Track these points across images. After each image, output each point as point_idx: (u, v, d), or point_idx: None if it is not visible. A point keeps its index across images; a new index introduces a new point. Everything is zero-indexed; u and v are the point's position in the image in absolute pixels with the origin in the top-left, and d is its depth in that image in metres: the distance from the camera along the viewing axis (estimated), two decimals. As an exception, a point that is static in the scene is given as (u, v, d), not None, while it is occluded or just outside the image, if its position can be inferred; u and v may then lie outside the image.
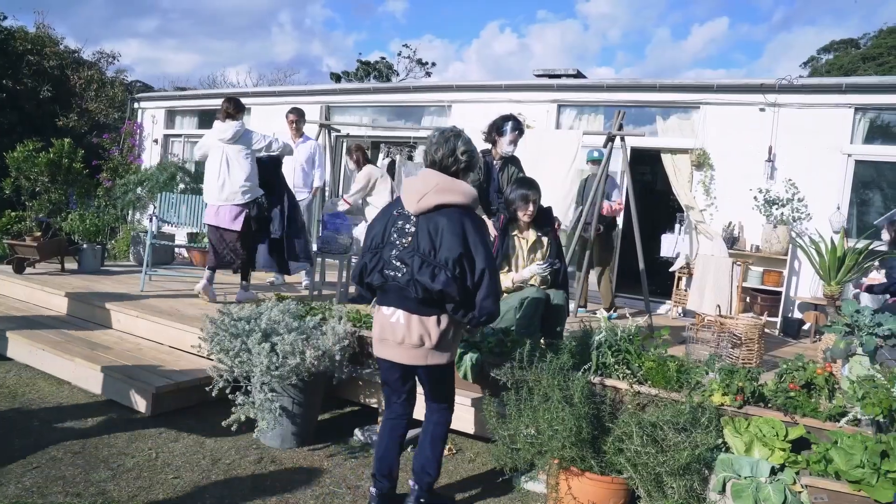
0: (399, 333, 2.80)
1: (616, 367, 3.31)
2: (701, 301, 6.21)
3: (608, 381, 3.33)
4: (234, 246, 5.69)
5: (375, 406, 4.20)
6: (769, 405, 3.05)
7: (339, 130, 10.20)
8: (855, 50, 36.40)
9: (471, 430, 3.71)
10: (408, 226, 2.80)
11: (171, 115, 13.61)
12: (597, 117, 8.94)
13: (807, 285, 7.40)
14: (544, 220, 4.38)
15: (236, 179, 5.58)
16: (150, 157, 13.31)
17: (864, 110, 7.44)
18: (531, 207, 4.22)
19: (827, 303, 5.15)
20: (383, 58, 39.01)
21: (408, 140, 10.16)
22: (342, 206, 7.11)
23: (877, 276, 6.25)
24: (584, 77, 10.16)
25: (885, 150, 7.36)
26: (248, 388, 3.70)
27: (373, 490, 3.07)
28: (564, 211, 6.62)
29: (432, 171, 2.83)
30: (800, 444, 2.86)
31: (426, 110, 10.55)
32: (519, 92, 9.32)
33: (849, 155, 7.38)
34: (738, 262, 5.90)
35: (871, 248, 5.35)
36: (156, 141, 13.61)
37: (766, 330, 5.29)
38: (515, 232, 4.33)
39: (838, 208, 7.27)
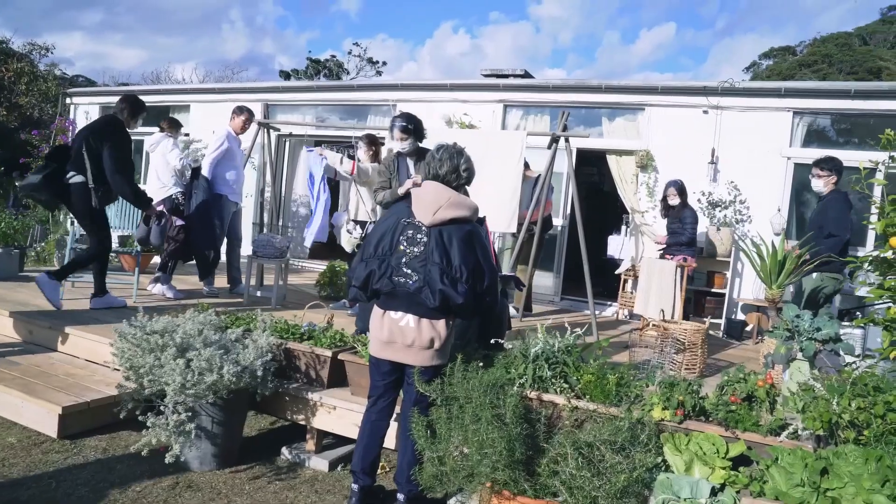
0: (409, 336, 2.94)
1: (553, 380, 3.15)
2: (646, 305, 6.14)
3: (545, 396, 3.16)
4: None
5: (303, 423, 3.95)
6: (710, 419, 2.93)
7: (279, 129, 9.84)
8: (792, 57, 37.71)
9: (393, 444, 3.49)
10: (419, 235, 2.95)
11: (105, 110, 12.98)
12: (543, 118, 8.85)
13: (749, 287, 7.45)
14: None
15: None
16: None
17: (802, 114, 7.54)
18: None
19: (769, 306, 5.11)
20: (333, 56, 38.46)
21: (349, 140, 9.86)
22: (347, 166, 6.32)
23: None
24: (531, 78, 10.07)
25: (822, 153, 7.42)
26: (162, 407, 3.39)
27: (354, 486, 3.17)
28: (510, 215, 6.47)
29: (441, 186, 3.03)
30: (741, 461, 2.74)
31: (371, 109, 10.30)
32: (465, 91, 9.16)
33: (788, 158, 7.45)
34: (681, 265, 5.86)
35: (812, 250, 5.35)
36: (88, 138, 12.96)
37: (710, 332, 5.24)
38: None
39: (779, 210, 7.33)
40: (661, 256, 6.83)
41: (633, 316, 7.49)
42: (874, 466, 2.41)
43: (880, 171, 5.31)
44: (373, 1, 71.29)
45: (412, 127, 4.96)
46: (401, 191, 4.43)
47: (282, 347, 4.02)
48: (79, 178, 5.06)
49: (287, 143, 10.98)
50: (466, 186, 3.25)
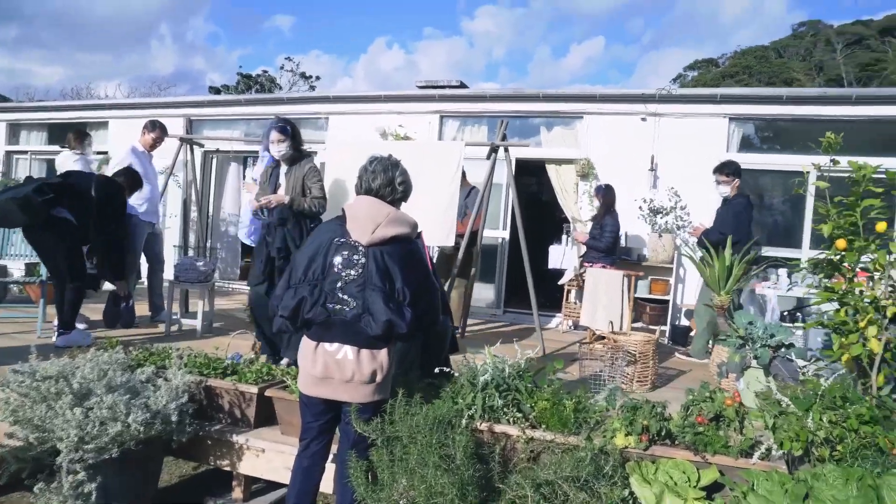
0: (348, 370, 2.61)
1: (506, 409, 2.85)
2: (593, 316, 5.95)
3: (497, 428, 2.87)
4: None
5: (228, 468, 3.52)
6: (677, 442, 2.69)
7: (202, 145, 9.31)
8: (715, 68, 39.28)
9: (331, 488, 3.12)
10: (356, 257, 2.64)
11: (14, 128, 12.10)
12: (480, 128, 8.64)
13: (692, 292, 7.38)
14: None
15: None
16: None
17: (738, 120, 7.58)
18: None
19: (718, 313, 4.99)
20: (265, 71, 37.67)
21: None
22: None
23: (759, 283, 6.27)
24: (467, 88, 9.87)
25: (758, 158, 7.52)
26: (56, 467, 2.92)
27: None
28: (448, 228, 6.19)
29: (377, 201, 2.75)
30: (714, 487, 2.51)
31: (303, 123, 9.84)
32: (400, 103, 8.87)
33: (725, 163, 7.45)
34: (628, 274, 5.71)
35: (758, 254, 5.29)
36: (-5, 157, 12.05)
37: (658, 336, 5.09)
38: None
39: (718, 216, 7.31)
40: (580, 264, 6.70)
41: (578, 327, 7.32)
42: (856, 488, 2.20)
43: (819, 173, 5.29)
44: (306, 17, 70.60)
45: (290, 130, 4.60)
46: (257, 202, 4.31)
47: (202, 385, 3.59)
48: (66, 215, 4.81)
49: (214, 160, 10.44)
50: (403, 202, 2.94)
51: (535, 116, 8.44)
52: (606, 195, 6.59)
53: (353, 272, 2.61)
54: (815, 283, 4.72)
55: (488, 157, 6.34)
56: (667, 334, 7.06)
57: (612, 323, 5.13)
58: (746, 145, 7.68)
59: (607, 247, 6.43)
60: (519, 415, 2.84)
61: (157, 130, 6.13)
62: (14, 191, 4.77)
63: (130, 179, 5.54)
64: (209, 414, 3.64)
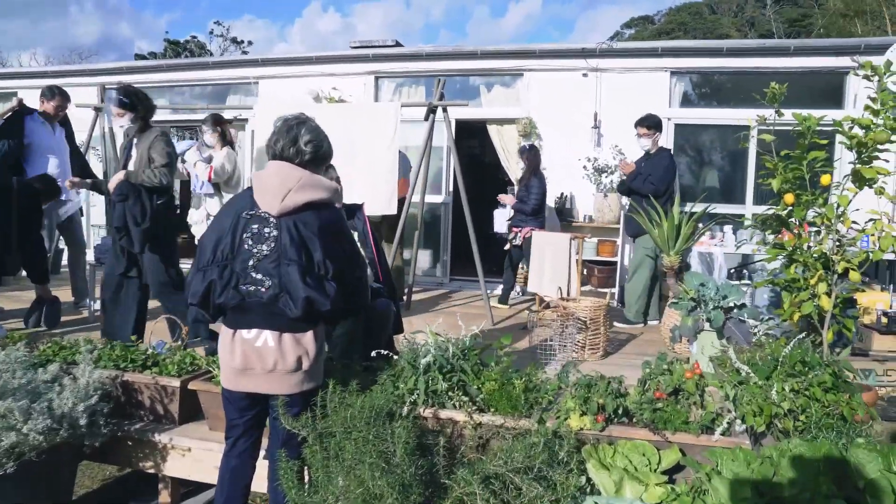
0: (270, 359, 2.33)
1: (450, 393, 2.62)
2: (540, 281, 5.77)
3: (442, 413, 2.64)
4: None
5: (153, 471, 3.21)
6: (635, 420, 2.52)
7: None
8: (651, 25, 39.50)
9: (264, 487, 2.84)
10: (267, 229, 2.34)
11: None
12: (418, 89, 8.28)
13: (640, 252, 7.30)
14: (349, 214, 3.61)
15: None
16: None
17: (679, 74, 7.45)
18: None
19: (668, 274, 4.88)
20: (194, 37, 35.95)
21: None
22: (202, 172, 5.57)
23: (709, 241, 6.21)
24: (402, 47, 9.45)
25: (699, 113, 7.43)
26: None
27: None
28: (388, 195, 5.89)
29: (287, 165, 2.42)
30: (676, 469, 2.36)
31: (231, 89, 9.29)
32: (332, 64, 8.40)
33: (668, 119, 7.33)
34: (575, 237, 5.54)
35: (707, 210, 5.20)
36: None
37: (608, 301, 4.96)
38: None
39: (663, 173, 7.21)
40: (508, 229, 6.51)
41: (526, 293, 7.17)
42: (825, 465, 2.07)
43: (761, 126, 5.19)
44: (235, -22, 67.59)
45: (130, 101, 4.17)
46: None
47: (118, 380, 3.24)
48: None
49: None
50: (329, 166, 2.70)
51: (475, 74, 8.12)
52: (531, 156, 6.36)
53: (264, 247, 2.32)
54: (762, 239, 4.66)
55: (426, 119, 6.03)
56: (616, 296, 6.98)
57: (560, 289, 4.97)
58: (688, 100, 7.58)
59: (534, 209, 6.24)
60: (465, 398, 2.62)
61: (57, 98, 5.52)
62: None
63: (47, 185, 5.02)
64: (129, 411, 3.31)
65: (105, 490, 3.54)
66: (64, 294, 6.02)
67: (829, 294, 3.62)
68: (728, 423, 2.38)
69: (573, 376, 2.69)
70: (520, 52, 7.73)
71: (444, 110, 5.94)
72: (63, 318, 5.31)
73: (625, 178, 5.82)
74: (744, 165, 7.25)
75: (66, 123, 5.84)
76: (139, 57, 31.15)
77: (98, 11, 56.62)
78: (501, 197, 6.54)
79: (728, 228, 6.53)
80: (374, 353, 2.81)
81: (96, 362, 3.24)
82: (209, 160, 5.58)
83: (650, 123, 5.61)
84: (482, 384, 2.65)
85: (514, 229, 6.35)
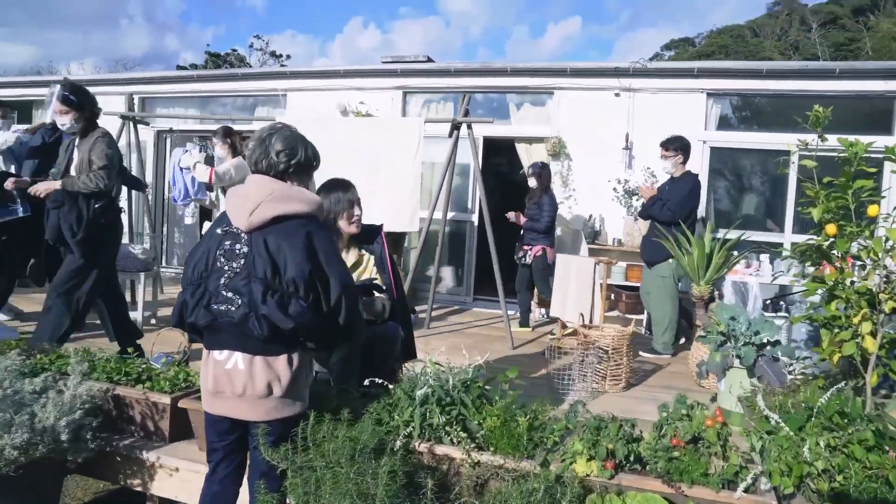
0: (239, 383, 2.18)
1: (448, 428, 2.42)
2: (563, 306, 5.54)
3: (438, 449, 2.43)
4: None
5: (140, 489, 3.06)
6: (648, 468, 2.28)
7: (147, 124, 8.71)
8: (692, 48, 39.02)
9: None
10: (238, 245, 2.22)
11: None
12: (446, 105, 8.15)
13: (669, 279, 7.00)
14: (368, 237, 3.42)
15: None
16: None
17: (716, 96, 7.18)
18: (357, 211, 3.24)
19: (697, 305, 4.61)
20: (234, 50, 36.68)
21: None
22: (201, 174, 5.53)
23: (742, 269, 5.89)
24: (433, 63, 9.35)
25: (737, 137, 7.14)
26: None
27: None
28: (411, 211, 5.73)
29: (262, 178, 2.28)
30: (691, 527, 2.11)
31: (260, 100, 9.31)
32: (361, 78, 8.33)
33: (704, 141, 7.07)
34: (600, 262, 5.30)
35: (742, 238, 4.90)
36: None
37: (633, 329, 4.71)
38: None
39: (697, 197, 6.92)
40: (518, 248, 6.30)
41: (551, 316, 6.93)
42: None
43: (802, 151, 4.90)
44: (280, -4, 69.23)
45: (77, 100, 3.99)
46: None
47: (109, 394, 3.11)
48: None
49: (168, 140, 9.81)
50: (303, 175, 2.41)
51: (504, 92, 7.96)
52: (543, 173, 6.18)
53: (235, 264, 2.17)
54: (801, 271, 4.36)
55: (450, 135, 5.88)
56: (644, 324, 6.68)
57: (582, 315, 4.72)
58: (725, 123, 7.29)
59: (547, 227, 6.05)
60: (464, 434, 2.41)
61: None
62: None
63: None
64: (120, 426, 3.17)
65: (95, 503, 3.41)
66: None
67: (873, 334, 3.32)
68: (753, 478, 2.12)
69: (582, 416, 2.45)
70: (551, 69, 7.55)
71: (469, 127, 5.79)
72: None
73: (645, 202, 5.55)
74: (783, 192, 6.91)
75: None
76: (181, 68, 31.83)
77: (148, 24, 58.57)
78: (510, 215, 6.31)
79: (765, 257, 6.21)
80: (367, 382, 2.61)
81: (89, 374, 3.11)
82: (210, 162, 5.50)
83: (678, 145, 5.35)
84: (483, 419, 2.44)
85: (525, 248, 6.16)
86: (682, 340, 5.61)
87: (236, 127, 8.40)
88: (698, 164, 7.01)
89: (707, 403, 3.87)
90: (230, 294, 2.14)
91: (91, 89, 9.22)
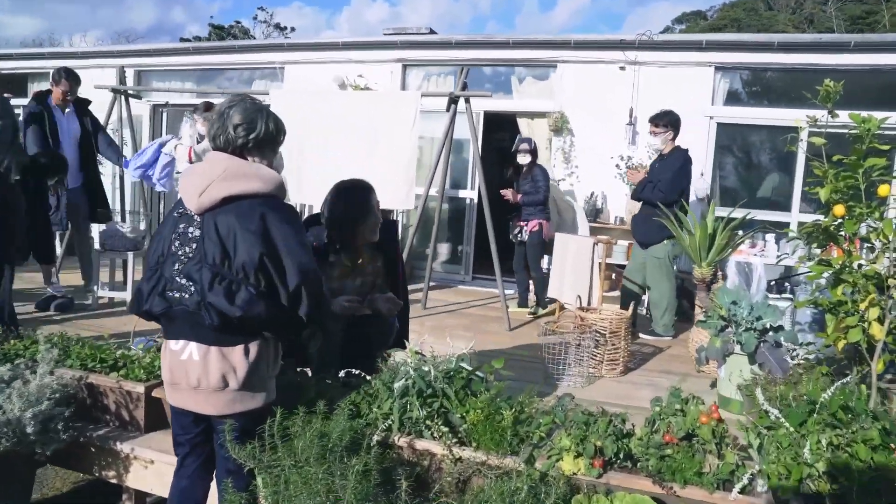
0: (193, 374, 2.07)
1: (430, 421, 2.30)
2: (561, 287, 5.40)
3: (419, 444, 2.31)
4: None
5: (115, 481, 2.97)
6: (639, 466, 2.15)
7: (140, 98, 8.53)
8: (704, 21, 38.23)
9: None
10: (191, 229, 2.09)
11: (-50, 81, 11.15)
12: (447, 79, 7.93)
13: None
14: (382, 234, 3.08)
15: None
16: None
17: (725, 69, 6.93)
18: (380, 216, 2.99)
19: (699, 287, 4.46)
20: (238, 22, 36.19)
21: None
22: (181, 155, 5.40)
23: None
24: (435, 35, 9.10)
25: (745, 112, 6.91)
26: None
27: None
28: (407, 188, 5.58)
29: (219, 154, 2.14)
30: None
31: (257, 73, 9.11)
32: (359, 50, 8.11)
33: (711, 117, 6.86)
34: (599, 241, 5.14)
35: (747, 217, 4.73)
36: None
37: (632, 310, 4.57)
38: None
39: (702, 175, 6.73)
40: (514, 224, 6.04)
41: (549, 297, 6.79)
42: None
43: (811, 128, 4.70)
44: (286, -33, 68.39)
45: None
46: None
47: (83, 381, 3.00)
48: None
49: (165, 114, 9.63)
50: (263, 151, 2.20)
51: (506, 65, 7.73)
52: (534, 147, 5.99)
53: (188, 249, 2.05)
54: (807, 254, 4.20)
55: (448, 109, 5.69)
56: (644, 304, 6.54)
57: (579, 297, 4.58)
58: (733, 98, 7.05)
59: (545, 198, 5.86)
60: (445, 428, 2.29)
61: (65, 81, 5.34)
62: None
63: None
64: (95, 415, 3.07)
65: (71, 495, 3.32)
66: (74, 278, 5.93)
67: (881, 320, 3.16)
68: (749, 478, 2.00)
69: (571, 408, 2.33)
70: (554, 42, 7.32)
71: (467, 101, 5.60)
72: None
73: (635, 187, 5.33)
74: (791, 170, 6.71)
75: (82, 106, 5.69)
76: (184, 41, 31.47)
77: (153, -5, 57.89)
78: (506, 193, 6.00)
79: (770, 238, 6.04)
80: (342, 373, 2.48)
81: (62, 361, 3.01)
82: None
83: (667, 120, 5.14)
84: (466, 412, 2.31)
85: (521, 223, 5.94)
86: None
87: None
88: (704, 139, 6.81)
89: (705, 392, 3.75)
90: (184, 281, 2.02)
91: (86, 62, 9.08)
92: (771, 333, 3.48)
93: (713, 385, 3.91)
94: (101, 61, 9.29)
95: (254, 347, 2.08)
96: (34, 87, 10.20)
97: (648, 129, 5.29)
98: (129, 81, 8.72)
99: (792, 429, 2.04)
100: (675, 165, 5.01)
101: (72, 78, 5.37)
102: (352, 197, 2.90)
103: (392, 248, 3.22)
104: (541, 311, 6.00)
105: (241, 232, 1.98)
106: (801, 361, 3.63)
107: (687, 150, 5.19)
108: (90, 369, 3.05)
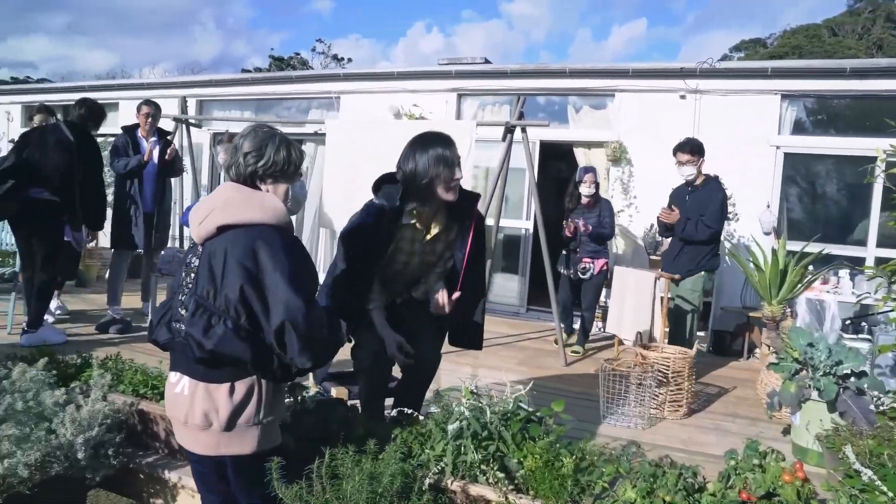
0: (182, 410, 1.97)
1: (484, 466, 2.17)
2: (620, 322, 5.20)
3: (473, 489, 2.19)
4: None
5: (163, 511, 2.93)
6: (712, 526, 1.97)
7: (200, 126, 8.77)
8: (763, 49, 37.39)
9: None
10: (194, 259, 2.03)
11: (29, 110, 11.75)
12: (501, 108, 7.88)
13: (737, 293, 6.55)
14: (463, 206, 2.75)
15: None
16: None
17: (792, 97, 6.66)
18: (458, 174, 2.60)
19: (769, 326, 4.21)
20: (297, 53, 37.27)
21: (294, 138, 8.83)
22: None
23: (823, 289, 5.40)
24: (490, 64, 9.10)
25: (814, 142, 6.60)
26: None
27: None
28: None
29: (227, 185, 2.08)
30: None
31: (314, 102, 9.26)
32: (414, 80, 8.16)
33: (777, 147, 6.58)
34: (661, 275, 4.93)
35: (823, 252, 4.46)
36: (12, 141, 11.71)
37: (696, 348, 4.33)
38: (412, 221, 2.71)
39: (768, 206, 6.45)
40: (579, 260, 5.62)
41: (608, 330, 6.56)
42: None
43: (892, 157, 4.42)
44: (345, 2, 70.64)
45: None
46: None
47: (134, 408, 2.99)
48: (45, 195, 4.49)
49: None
50: (279, 181, 2.09)
51: (562, 94, 7.64)
52: (597, 178, 5.70)
53: (189, 279, 2.01)
54: (888, 293, 3.92)
55: (504, 139, 5.61)
56: (707, 341, 6.26)
57: (640, 334, 4.38)
58: (801, 127, 6.76)
59: (612, 232, 5.63)
60: (501, 474, 2.15)
61: (145, 107, 5.66)
62: None
63: (90, 109, 5.00)
64: (145, 441, 3.06)
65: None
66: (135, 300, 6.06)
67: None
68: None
69: (636, 457, 2.16)
70: (612, 71, 7.19)
71: (524, 130, 5.51)
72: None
73: (674, 227, 4.97)
74: (866, 202, 6.35)
75: (163, 136, 5.93)
76: (245, 72, 32.59)
77: (218, 31, 60.67)
78: (571, 226, 5.61)
79: (844, 274, 5.70)
80: (394, 412, 2.38)
81: (114, 386, 3.01)
82: None
83: (693, 147, 4.87)
84: (524, 458, 2.18)
85: (586, 261, 5.60)
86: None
87: (288, 130, 8.40)
88: (770, 170, 6.55)
89: (777, 440, 3.49)
90: (184, 311, 1.97)
91: (153, 93, 9.42)
92: (852, 379, 3.22)
93: (786, 432, 3.65)
94: (167, 91, 9.62)
95: (241, 387, 1.94)
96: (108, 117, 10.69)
97: (676, 161, 4.97)
98: (192, 111, 9.00)
99: (891, 494, 1.83)
100: (716, 196, 4.75)
101: (153, 108, 5.65)
102: (429, 148, 2.60)
103: (468, 224, 2.79)
104: (584, 349, 5.72)
105: (229, 262, 1.88)
106: (887, 410, 3.35)
107: (718, 177, 4.96)
108: (141, 395, 3.06)
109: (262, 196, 2.03)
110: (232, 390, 1.93)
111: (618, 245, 7.12)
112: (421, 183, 2.58)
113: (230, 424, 1.93)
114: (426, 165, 2.56)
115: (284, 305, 1.83)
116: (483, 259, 2.94)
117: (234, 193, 2.01)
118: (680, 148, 4.95)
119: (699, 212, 4.77)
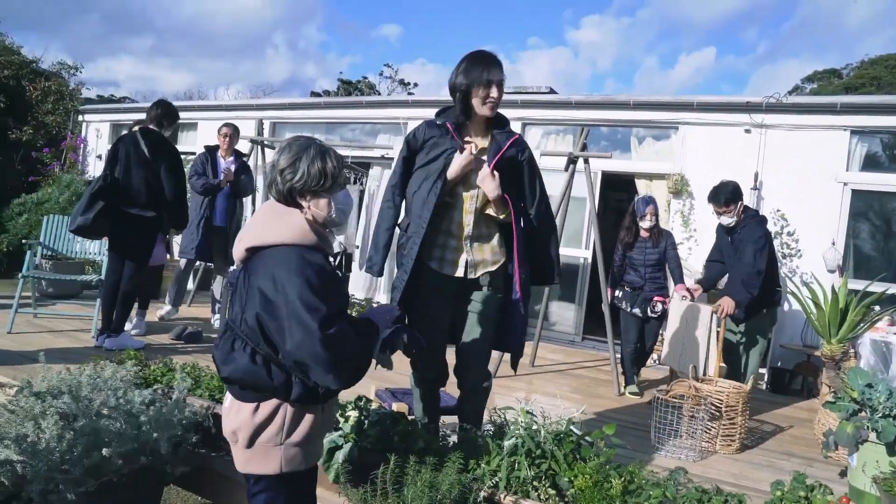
0: (224, 423, 2.06)
1: (536, 482, 2.29)
2: (675, 355, 5.21)
3: (524, 505, 2.31)
4: None
5: (233, 509, 3.15)
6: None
7: (274, 147, 9.20)
8: (838, 80, 36.23)
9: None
10: (240, 280, 2.06)
11: (116, 128, 12.57)
12: (566, 138, 8.02)
13: (797, 331, 6.44)
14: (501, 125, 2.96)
15: None
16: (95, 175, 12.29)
17: (862, 134, 6.56)
18: (495, 93, 2.78)
19: (827, 365, 4.18)
20: (365, 77, 38.25)
21: (358, 161, 9.19)
22: None
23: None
24: (555, 94, 9.26)
25: (886, 179, 6.47)
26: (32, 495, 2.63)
27: None
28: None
29: (266, 204, 2.10)
30: None
31: (380, 127, 9.61)
32: (480, 108, 8.36)
33: (845, 183, 6.48)
34: (716, 310, 4.92)
35: (887, 293, 4.38)
36: (100, 157, 12.55)
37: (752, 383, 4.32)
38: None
39: (833, 244, 6.35)
40: (643, 299, 5.33)
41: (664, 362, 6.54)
42: None
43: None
44: (412, 27, 72.40)
45: None
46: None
47: (210, 412, 3.24)
48: (142, 211, 4.86)
49: (295, 164, 10.34)
50: (320, 194, 2.02)
51: (626, 125, 7.72)
52: (657, 209, 5.38)
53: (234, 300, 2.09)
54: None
55: (566, 169, 5.76)
56: (765, 379, 6.17)
57: (694, 368, 4.41)
58: (871, 163, 6.63)
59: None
60: (552, 491, 2.27)
61: (225, 128, 6.19)
62: (81, 215, 4.71)
63: (165, 109, 5.26)
64: (217, 444, 3.28)
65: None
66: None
67: None
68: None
69: (683, 483, 2.25)
70: (676, 103, 7.24)
71: (586, 161, 5.64)
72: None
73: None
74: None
75: (240, 156, 6.36)
76: (314, 95, 33.72)
77: (290, 53, 63.12)
78: (686, 294, 5.18)
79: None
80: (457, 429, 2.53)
81: (193, 390, 3.26)
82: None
83: (728, 197, 4.66)
84: (574, 477, 2.29)
85: (657, 299, 5.31)
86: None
87: (355, 153, 8.75)
88: (836, 207, 6.45)
89: (833, 481, 3.46)
90: None
91: (229, 114, 9.97)
92: (912, 422, 3.19)
93: (843, 474, 3.61)
94: (242, 113, 10.17)
95: (265, 408, 1.94)
96: (184, 136, 11.34)
97: (714, 210, 4.81)
98: (266, 132, 9.49)
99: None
100: (751, 236, 4.60)
101: (232, 129, 6.19)
102: (473, 63, 2.79)
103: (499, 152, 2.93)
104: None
105: (251, 286, 1.90)
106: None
107: (757, 212, 4.83)
108: (217, 400, 3.29)
109: (290, 215, 1.98)
110: (255, 411, 1.94)
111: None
112: (461, 91, 2.77)
113: (250, 442, 1.95)
114: (465, 77, 2.76)
115: (297, 329, 1.79)
116: (546, 199, 3.10)
117: (265, 213, 2.03)
118: (713, 200, 4.77)
119: (738, 254, 4.72)
